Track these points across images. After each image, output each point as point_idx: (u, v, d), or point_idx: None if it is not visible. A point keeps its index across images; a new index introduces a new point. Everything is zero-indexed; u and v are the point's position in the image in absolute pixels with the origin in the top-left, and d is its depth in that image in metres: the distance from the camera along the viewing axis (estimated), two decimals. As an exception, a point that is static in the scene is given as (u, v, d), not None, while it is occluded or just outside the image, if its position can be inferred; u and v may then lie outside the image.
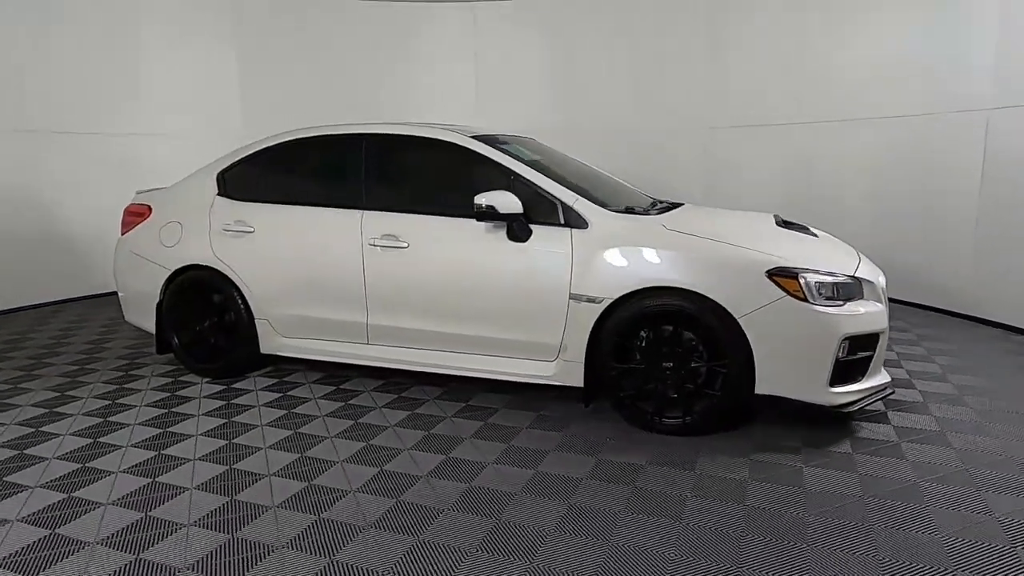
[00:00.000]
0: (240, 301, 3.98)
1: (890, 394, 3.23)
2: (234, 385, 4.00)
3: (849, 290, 3.04)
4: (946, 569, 2.10)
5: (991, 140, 4.92)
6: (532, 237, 3.33)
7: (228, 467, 2.90)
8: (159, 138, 6.81)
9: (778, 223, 3.69)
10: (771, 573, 2.09)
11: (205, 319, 4.12)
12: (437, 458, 2.96)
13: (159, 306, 4.18)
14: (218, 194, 4.12)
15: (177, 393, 3.88)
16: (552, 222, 3.34)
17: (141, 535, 2.38)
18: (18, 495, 2.68)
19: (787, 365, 2.97)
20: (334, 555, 2.23)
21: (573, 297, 3.26)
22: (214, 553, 2.25)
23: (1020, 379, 3.85)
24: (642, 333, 3.17)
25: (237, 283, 3.96)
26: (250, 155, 4.11)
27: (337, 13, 7.58)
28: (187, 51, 7.03)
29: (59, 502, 2.62)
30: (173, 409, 3.62)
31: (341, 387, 3.92)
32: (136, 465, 2.93)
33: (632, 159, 7.26)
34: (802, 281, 2.95)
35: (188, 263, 4.07)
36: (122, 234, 4.40)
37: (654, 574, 2.11)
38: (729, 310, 2.98)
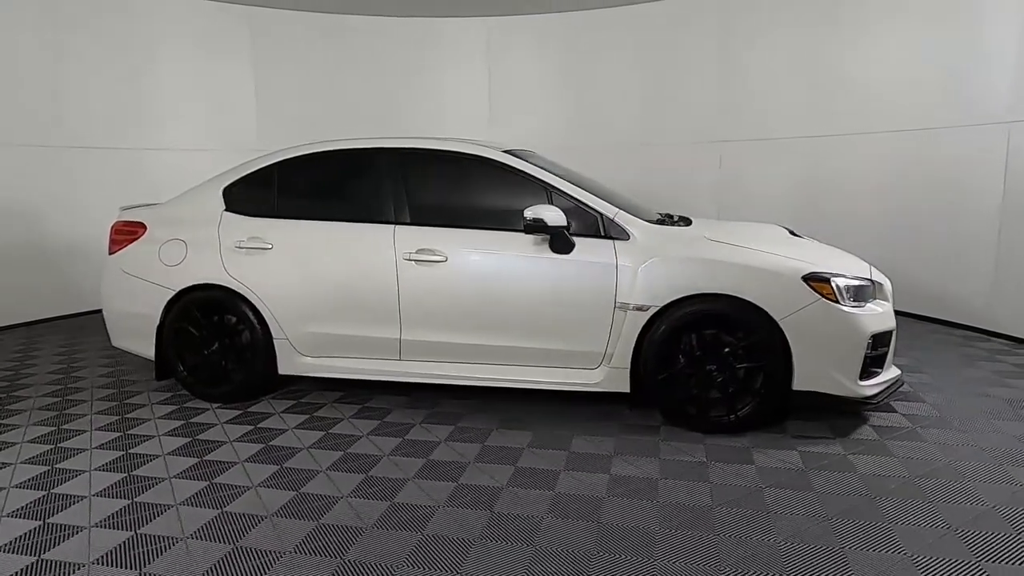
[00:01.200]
0: (256, 321, 3.82)
1: (901, 385, 3.58)
2: (250, 409, 3.82)
3: (869, 292, 3.36)
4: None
5: (1013, 153, 4.89)
6: (575, 249, 3.44)
7: (295, 492, 2.80)
8: (175, 153, 6.89)
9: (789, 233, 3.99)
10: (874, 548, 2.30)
11: (214, 341, 3.91)
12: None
13: (160, 329, 3.93)
14: (226, 210, 3.94)
15: (192, 420, 3.66)
16: (594, 234, 3.47)
17: (238, 570, 2.27)
18: (78, 535, 2.46)
19: (823, 363, 3.23)
20: None
21: (619, 306, 3.39)
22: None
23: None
24: (686, 338, 3.35)
25: (254, 302, 3.80)
26: (259, 170, 3.97)
27: (351, 28, 7.69)
28: (203, 66, 7.15)
29: (127, 541, 2.43)
30: (198, 437, 3.42)
31: (367, 405, 3.84)
32: (195, 496, 2.76)
33: (644, 173, 7.25)
34: (834, 285, 3.24)
35: (195, 283, 3.86)
36: (111, 253, 4.11)
37: (789, 549, 2.26)
38: (771, 313, 3.22)
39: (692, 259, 3.34)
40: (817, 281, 3.24)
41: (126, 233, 4.08)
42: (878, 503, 2.62)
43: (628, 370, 3.43)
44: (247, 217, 3.90)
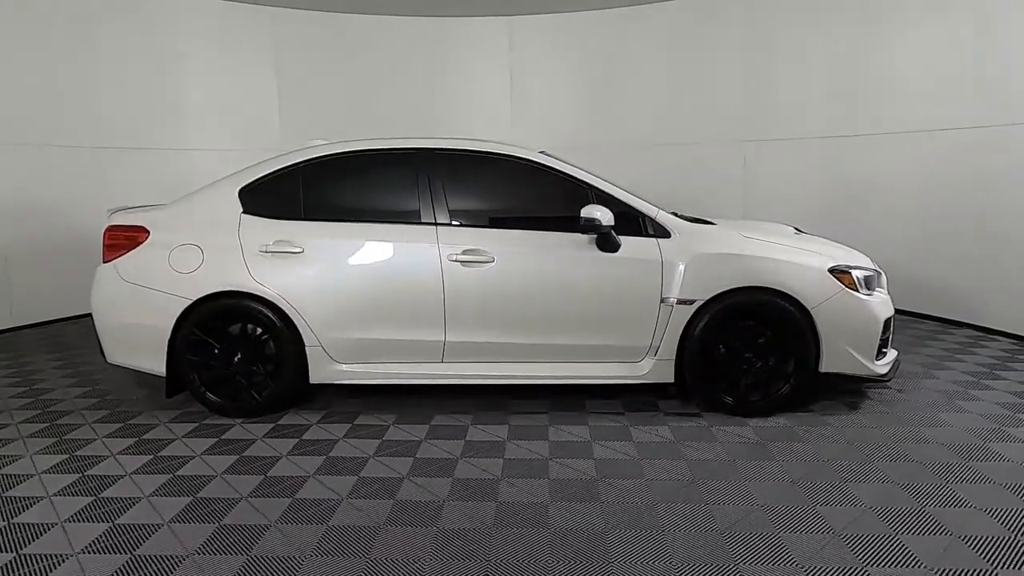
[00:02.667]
0: (287, 328, 3.63)
1: (899, 365, 4.02)
2: (281, 422, 3.64)
3: (876, 281, 3.77)
4: None
5: None
6: (621, 247, 3.58)
7: (391, 498, 2.73)
8: (201, 153, 6.94)
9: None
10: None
11: (236, 352, 3.68)
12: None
13: (171, 342, 3.64)
14: (244, 212, 3.71)
15: (225, 437, 3.43)
16: (637, 233, 3.63)
17: (393, 577, 2.20)
18: (181, 565, 2.27)
19: (846, 346, 3.58)
20: None
21: (664, 301, 3.57)
22: None
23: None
24: (727, 328, 3.59)
25: (284, 309, 3.61)
26: (281, 170, 3.78)
27: (373, 28, 7.68)
28: (226, 66, 7.22)
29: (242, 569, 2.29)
30: (244, 454, 3.22)
31: (403, 409, 3.77)
32: (288, 511, 2.62)
33: (667, 173, 7.26)
34: (854, 276, 3.60)
35: (216, 290, 3.61)
36: (106, 260, 3.74)
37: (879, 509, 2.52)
38: (804, 303, 3.52)
39: (732, 255, 3.59)
40: (840, 273, 3.59)
41: (124, 238, 3.73)
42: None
43: (673, 361, 3.62)
44: (270, 220, 3.70)
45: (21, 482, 2.92)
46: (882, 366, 3.68)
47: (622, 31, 7.54)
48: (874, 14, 6.06)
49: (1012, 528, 2.43)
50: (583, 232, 3.54)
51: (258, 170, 3.82)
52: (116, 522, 2.57)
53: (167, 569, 2.25)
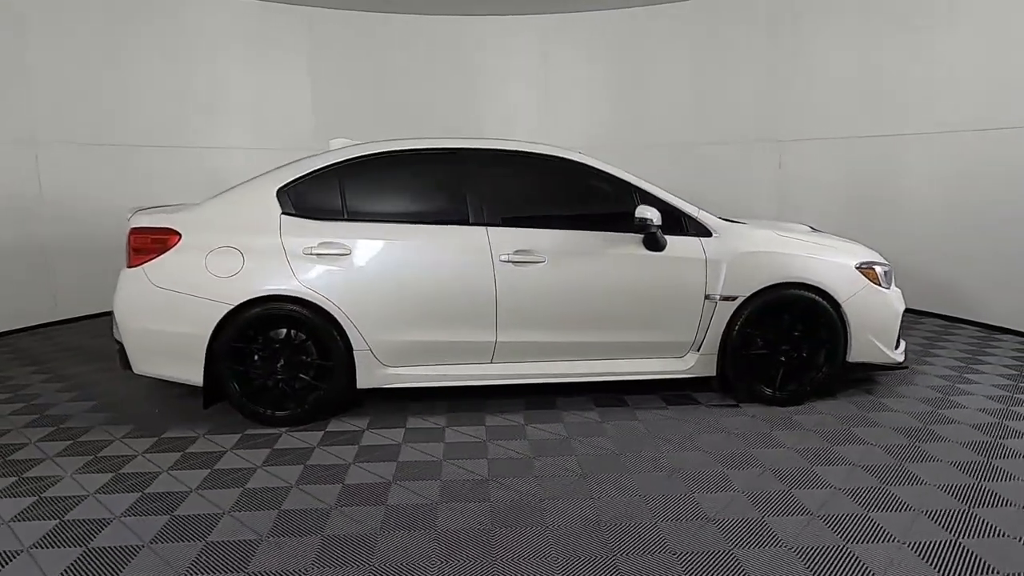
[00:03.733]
0: (335, 332, 3.54)
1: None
2: (329, 429, 3.54)
3: (891, 275, 4.05)
4: None
5: None
6: (667, 246, 3.69)
7: (485, 500, 2.73)
8: (232, 151, 7.00)
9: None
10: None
11: (278, 358, 3.55)
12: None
13: (209, 349, 3.47)
14: (284, 213, 3.58)
15: (278, 447, 3.30)
16: (681, 232, 3.75)
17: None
18: (307, 581, 2.20)
19: (871, 337, 3.83)
20: None
21: (708, 297, 3.71)
22: None
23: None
24: (766, 322, 3.77)
25: (332, 312, 3.51)
26: (320, 170, 3.67)
27: (404, 27, 7.73)
28: (260, 66, 7.28)
29: None
30: (308, 463, 3.11)
31: (453, 411, 3.75)
32: (402, 518, 2.57)
33: (698, 173, 7.23)
34: (878, 271, 3.87)
35: (259, 295, 3.47)
36: (132, 264, 3.52)
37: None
38: (836, 297, 3.75)
39: (771, 253, 3.77)
40: (866, 268, 3.84)
41: (153, 241, 3.52)
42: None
43: (716, 355, 3.77)
44: (312, 221, 3.59)
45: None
46: (899, 354, 3.96)
47: (651, 30, 7.56)
48: (901, 13, 5.96)
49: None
50: (636, 231, 3.63)
51: (295, 170, 3.69)
52: (208, 539, 2.44)
53: (293, 585, 2.18)
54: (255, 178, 3.73)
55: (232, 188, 3.72)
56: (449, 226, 3.65)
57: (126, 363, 3.60)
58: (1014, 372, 4.35)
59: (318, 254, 3.52)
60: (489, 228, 3.65)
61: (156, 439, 3.43)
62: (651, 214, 3.57)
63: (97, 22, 6.20)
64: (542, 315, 3.67)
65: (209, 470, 3.05)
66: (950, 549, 2.34)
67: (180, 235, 3.52)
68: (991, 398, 3.88)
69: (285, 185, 3.63)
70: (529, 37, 7.92)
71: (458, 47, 7.90)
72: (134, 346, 3.53)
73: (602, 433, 3.44)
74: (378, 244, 3.58)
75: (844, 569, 2.23)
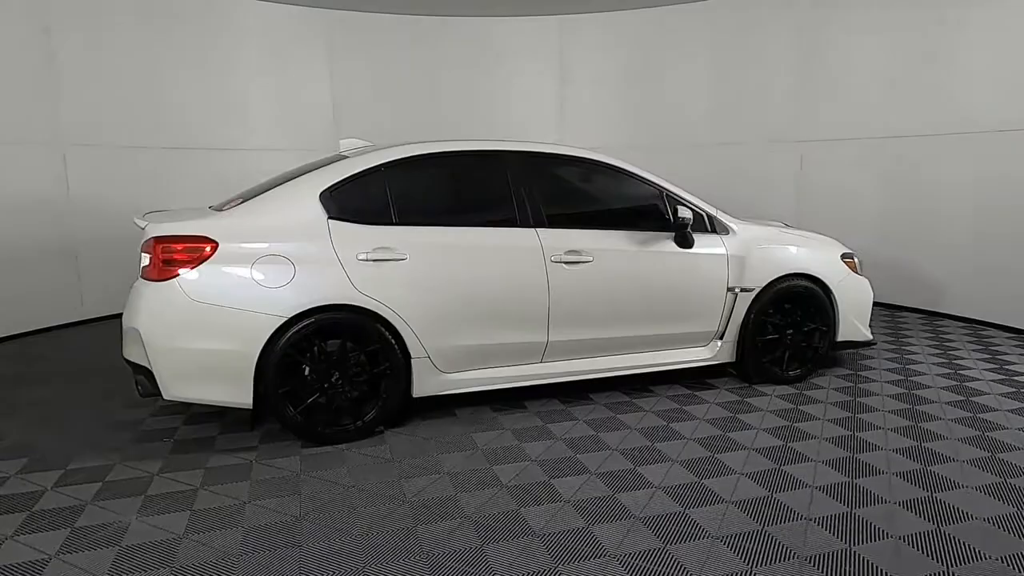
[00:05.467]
0: (394, 340, 3.40)
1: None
2: (390, 443, 3.40)
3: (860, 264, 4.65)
4: None
5: None
6: (695, 243, 3.97)
7: (611, 492, 2.81)
8: (255, 153, 6.97)
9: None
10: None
11: (331, 372, 3.34)
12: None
13: (260, 367, 3.19)
14: (331, 218, 3.38)
15: (367, 455, 3.12)
16: (704, 230, 4.04)
17: (710, 556, 2.34)
18: None
19: (852, 319, 4.39)
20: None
21: (730, 289, 4.05)
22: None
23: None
24: (774, 311, 4.18)
25: (391, 320, 3.37)
26: (364, 172, 3.50)
27: (423, 28, 7.73)
28: (282, 68, 7.29)
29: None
30: (446, 471, 2.99)
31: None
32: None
33: (717, 175, 7.20)
34: (855, 260, 4.43)
35: (315, 305, 3.24)
36: (160, 277, 3.13)
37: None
38: (828, 285, 4.25)
39: (781, 247, 4.20)
40: (848, 258, 4.40)
41: (183, 250, 3.16)
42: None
43: (735, 343, 4.12)
44: (362, 225, 3.41)
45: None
46: (871, 334, 4.57)
47: (670, 29, 7.56)
48: (935, 7, 5.80)
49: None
50: (678, 230, 3.87)
51: (335, 172, 3.49)
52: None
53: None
54: (293, 181, 3.47)
55: (270, 191, 3.43)
56: (501, 228, 3.65)
57: (152, 388, 3.20)
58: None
59: (374, 260, 3.36)
60: (538, 229, 3.70)
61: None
62: (689, 214, 3.84)
63: (125, 26, 6.22)
64: (589, 313, 3.78)
65: (291, 495, 2.82)
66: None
67: (217, 243, 3.19)
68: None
69: (328, 188, 3.43)
70: (547, 37, 7.96)
71: (476, 48, 7.90)
72: (167, 368, 3.14)
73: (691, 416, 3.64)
74: (434, 248, 3.49)
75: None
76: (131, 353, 3.26)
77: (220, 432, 3.53)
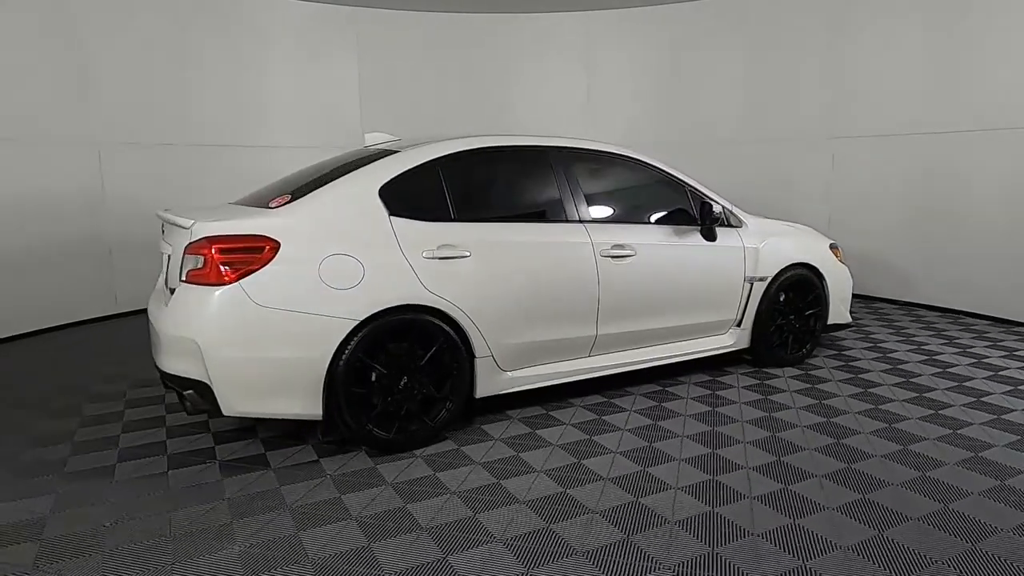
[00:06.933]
0: (460, 340, 3.30)
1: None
2: (470, 444, 3.29)
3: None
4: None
5: None
6: (718, 237, 4.18)
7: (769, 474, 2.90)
8: (285, 150, 7.00)
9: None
10: (986, 396, 3.94)
11: (401, 375, 3.18)
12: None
13: (331, 374, 2.98)
14: (392, 214, 3.22)
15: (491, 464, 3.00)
16: (722, 224, 4.25)
17: (840, 526, 2.50)
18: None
19: (837, 303, 4.79)
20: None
21: (747, 279, 4.29)
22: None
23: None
24: (781, 298, 4.48)
25: (457, 319, 3.27)
26: (419, 167, 3.36)
27: (450, 25, 7.72)
28: (310, 65, 7.33)
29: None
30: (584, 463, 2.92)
31: (662, 405, 3.74)
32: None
33: (747, 172, 7.18)
34: (839, 250, 4.85)
35: (388, 306, 3.08)
36: (216, 281, 2.84)
37: None
38: (822, 272, 4.62)
39: (787, 239, 4.50)
40: (834, 248, 4.80)
41: (246, 251, 2.89)
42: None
43: (751, 330, 4.37)
44: (422, 222, 3.28)
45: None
46: (850, 316, 5.02)
47: (698, 24, 7.49)
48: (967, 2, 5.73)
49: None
50: (713, 224, 4.06)
51: (390, 166, 3.33)
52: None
53: None
54: (347, 176, 3.27)
55: (325, 187, 3.20)
56: (556, 224, 3.65)
57: (204, 405, 2.90)
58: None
59: (440, 258, 3.25)
60: (587, 224, 3.73)
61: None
62: (720, 208, 4.06)
63: (155, 25, 6.31)
64: (633, 305, 3.87)
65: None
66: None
67: (278, 243, 2.95)
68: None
69: (386, 184, 3.26)
70: (573, 34, 7.90)
71: (502, 44, 7.88)
72: (230, 382, 2.86)
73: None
74: (496, 244, 3.42)
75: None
76: (176, 366, 2.94)
77: (268, 449, 3.25)
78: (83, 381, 4.36)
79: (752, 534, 2.44)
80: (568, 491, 2.79)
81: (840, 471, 2.96)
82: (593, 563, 2.27)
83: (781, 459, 3.09)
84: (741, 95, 7.40)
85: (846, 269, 4.88)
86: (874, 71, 6.43)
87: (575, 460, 3.10)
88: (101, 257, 6.11)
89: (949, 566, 2.23)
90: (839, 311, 4.80)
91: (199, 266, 2.88)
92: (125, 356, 4.92)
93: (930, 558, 2.27)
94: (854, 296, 5.61)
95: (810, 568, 2.23)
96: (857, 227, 6.72)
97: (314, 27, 7.29)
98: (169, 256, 3.40)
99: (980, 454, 3.13)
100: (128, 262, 6.18)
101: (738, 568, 2.23)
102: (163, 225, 3.44)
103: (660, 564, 2.26)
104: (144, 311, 5.06)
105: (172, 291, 3.09)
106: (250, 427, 3.51)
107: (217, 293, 2.83)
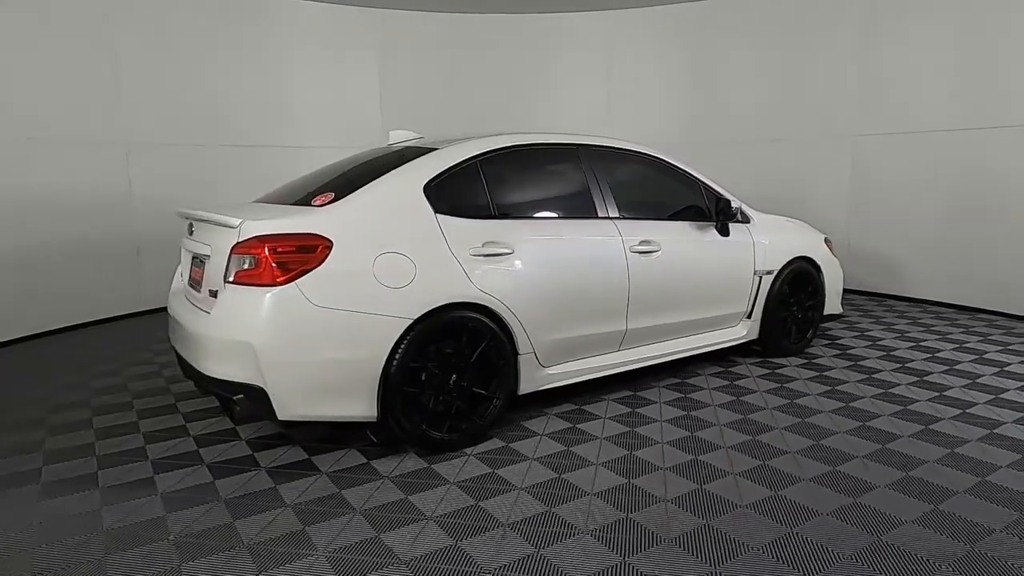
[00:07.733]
0: (506, 338, 3.30)
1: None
2: (521, 440, 3.30)
3: (831, 246, 5.33)
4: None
5: None
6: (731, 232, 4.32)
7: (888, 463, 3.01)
8: (309, 150, 6.94)
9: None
10: (979, 377, 4.22)
11: (450, 373, 3.16)
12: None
13: (385, 374, 2.94)
14: (437, 212, 3.20)
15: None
16: (732, 220, 4.40)
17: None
18: None
19: (832, 293, 5.03)
20: (948, 447, 3.15)
21: (756, 272, 4.45)
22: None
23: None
24: (785, 290, 4.67)
25: (503, 315, 3.27)
26: (459, 164, 3.35)
27: (473, 26, 7.77)
28: (334, 66, 7.42)
29: (807, 534, 2.41)
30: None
31: (690, 413, 3.78)
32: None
33: (768, 170, 7.16)
34: (832, 243, 5.09)
35: (439, 304, 3.05)
36: (271, 282, 2.75)
37: None
38: (820, 265, 4.84)
39: (790, 234, 4.70)
40: (827, 242, 5.04)
41: (301, 251, 2.82)
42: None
43: (760, 322, 4.54)
44: (466, 220, 3.27)
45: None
46: (841, 307, 5.28)
47: (721, 23, 7.44)
48: None
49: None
50: (729, 219, 4.18)
51: (431, 164, 3.31)
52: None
53: (776, 562, 2.24)
54: (391, 174, 3.22)
55: (371, 184, 3.14)
56: (589, 220, 3.70)
57: (255, 409, 2.81)
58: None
59: (485, 255, 3.25)
60: (615, 221, 3.79)
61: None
62: (737, 204, 4.20)
63: (181, 26, 6.36)
64: (659, 300, 3.95)
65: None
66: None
67: (331, 242, 2.88)
68: None
69: (429, 181, 3.24)
70: (597, 32, 7.88)
71: (524, 44, 7.89)
72: (285, 385, 2.78)
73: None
74: (537, 241, 3.45)
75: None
76: (223, 371, 2.83)
77: (311, 454, 3.17)
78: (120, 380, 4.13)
79: (821, 514, 2.55)
80: (632, 480, 2.85)
81: (876, 452, 3.12)
82: (681, 548, 2.33)
83: (819, 443, 3.23)
84: (763, 93, 7.29)
85: (837, 262, 5.13)
86: (900, 69, 6.33)
87: (627, 451, 3.16)
88: (127, 256, 6.18)
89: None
90: (833, 302, 5.04)
91: (250, 266, 2.79)
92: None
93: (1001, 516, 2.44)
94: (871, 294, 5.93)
95: (886, 541, 2.35)
96: (883, 224, 6.61)
97: (339, 29, 7.38)
98: (194, 255, 3.28)
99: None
100: (155, 261, 6.17)
101: (819, 544, 2.33)
102: (191, 224, 3.31)
103: (747, 546, 2.34)
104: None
105: (212, 293, 2.97)
106: (281, 433, 3.41)
107: (273, 294, 2.74)
